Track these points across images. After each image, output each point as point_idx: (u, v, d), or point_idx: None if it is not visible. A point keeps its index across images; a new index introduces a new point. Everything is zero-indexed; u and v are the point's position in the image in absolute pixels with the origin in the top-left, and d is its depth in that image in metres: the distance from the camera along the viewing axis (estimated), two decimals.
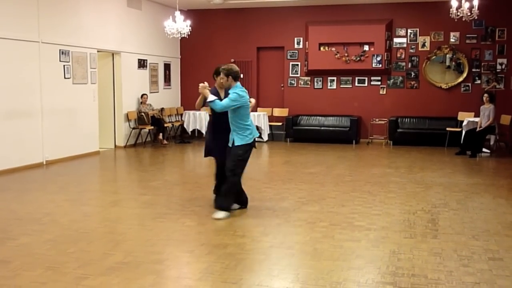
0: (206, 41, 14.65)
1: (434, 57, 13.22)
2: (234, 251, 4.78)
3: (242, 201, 6.36)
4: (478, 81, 13.05)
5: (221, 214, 5.98)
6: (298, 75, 14.18)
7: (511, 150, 11.82)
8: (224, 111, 5.95)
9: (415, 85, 13.46)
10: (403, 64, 13.48)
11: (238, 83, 6.00)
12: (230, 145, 6.05)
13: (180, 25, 11.31)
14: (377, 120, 13.40)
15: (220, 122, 6.15)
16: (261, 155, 11.51)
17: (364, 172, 9.16)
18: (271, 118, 13.95)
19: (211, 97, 5.92)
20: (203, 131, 13.95)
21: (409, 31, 13.36)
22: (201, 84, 6.07)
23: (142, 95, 12.83)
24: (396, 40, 13.44)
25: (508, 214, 6.19)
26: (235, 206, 6.27)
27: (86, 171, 9.67)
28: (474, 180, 8.40)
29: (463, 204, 6.72)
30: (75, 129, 10.65)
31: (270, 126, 13.84)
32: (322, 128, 13.51)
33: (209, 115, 6.49)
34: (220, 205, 6.10)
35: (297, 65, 14.17)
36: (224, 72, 5.94)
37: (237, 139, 5.96)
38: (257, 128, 6.91)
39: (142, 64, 13.15)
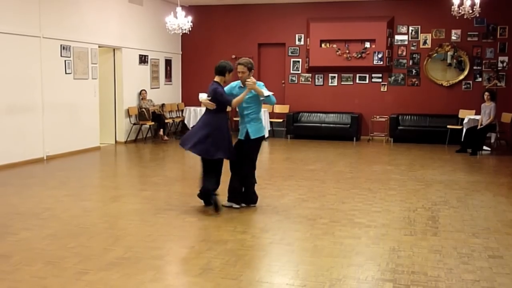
0: (207, 37, 14.63)
1: (435, 54, 13.19)
2: (234, 247, 4.79)
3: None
4: (479, 79, 13.03)
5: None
6: (299, 72, 14.17)
7: None
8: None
9: (416, 82, 13.44)
10: (404, 61, 13.46)
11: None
12: (243, 137, 6.13)
13: (181, 21, 11.30)
14: (377, 117, 13.39)
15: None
16: (261, 152, 11.38)
17: (365, 169, 9.17)
18: (271, 115, 13.93)
19: (266, 92, 6.17)
20: None
21: (410, 28, 13.34)
22: (251, 80, 6.05)
23: (141, 91, 12.83)
24: (397, 37, 13.41)
25: (508, 212, 6.19)
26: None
27: (87, 166, 9.67)
28: (474, 178, 8.40)
29: (463, 201, 6.72)
30: (76, 124, 10.65)
31: (271, 123, 13.84)
32: (323, 125, 13.50)
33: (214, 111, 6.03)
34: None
35: (298, 61, 14.15)
36: (249, 66, 6.15)
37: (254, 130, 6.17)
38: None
39: (143, 59, 13.13)
